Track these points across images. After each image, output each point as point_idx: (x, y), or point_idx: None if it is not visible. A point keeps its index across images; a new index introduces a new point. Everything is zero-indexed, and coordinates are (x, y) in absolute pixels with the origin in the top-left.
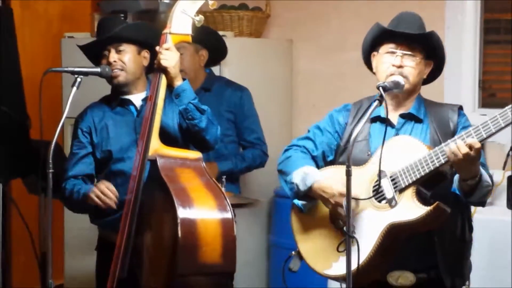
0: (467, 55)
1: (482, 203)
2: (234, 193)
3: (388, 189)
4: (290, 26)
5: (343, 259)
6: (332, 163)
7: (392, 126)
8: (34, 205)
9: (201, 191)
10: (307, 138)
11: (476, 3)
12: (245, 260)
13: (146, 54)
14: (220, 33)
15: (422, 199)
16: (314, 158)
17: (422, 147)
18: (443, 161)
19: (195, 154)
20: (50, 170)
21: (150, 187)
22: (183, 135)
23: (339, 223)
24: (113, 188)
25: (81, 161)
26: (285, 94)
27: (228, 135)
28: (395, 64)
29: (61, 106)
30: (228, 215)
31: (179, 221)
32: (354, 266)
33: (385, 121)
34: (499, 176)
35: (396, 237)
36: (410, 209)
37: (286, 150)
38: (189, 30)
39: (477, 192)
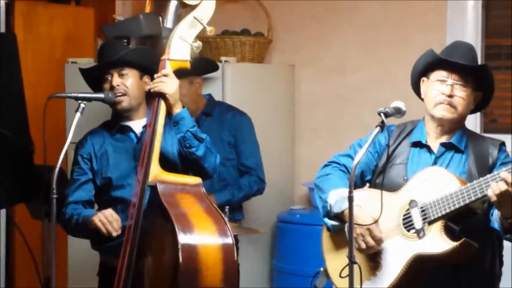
0: None
1: None
2: (236, 222)
3: (417, 220)
4: (292, 51)
5: (368, 283)
6: (369, 182)
7: (432, 153)
8: (37, 230)
9: (201, 217)
10: (348, 155)
11: (477, 28)
12: (248, 285)
13: (147, 79)
14: (223, 58)
15: (451, 233)
16: None
17: (455, 182)
18: (473, 198)
19: (195, 180)
20: (54, 196)
21: (150, 213)
22: (182, 162)
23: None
24: (118, 217)
25: (82, 188)
26: (287, 118)
27: (230, 159)
28: (445, 93)
29: (65, 131)
30: (229, 240)
31: (180, 246)
32: None
33: (427, 148)
34: None
35: (421, 267)
36: (438, 242)
37: (325, 166)
38: (187, 56)
39: None
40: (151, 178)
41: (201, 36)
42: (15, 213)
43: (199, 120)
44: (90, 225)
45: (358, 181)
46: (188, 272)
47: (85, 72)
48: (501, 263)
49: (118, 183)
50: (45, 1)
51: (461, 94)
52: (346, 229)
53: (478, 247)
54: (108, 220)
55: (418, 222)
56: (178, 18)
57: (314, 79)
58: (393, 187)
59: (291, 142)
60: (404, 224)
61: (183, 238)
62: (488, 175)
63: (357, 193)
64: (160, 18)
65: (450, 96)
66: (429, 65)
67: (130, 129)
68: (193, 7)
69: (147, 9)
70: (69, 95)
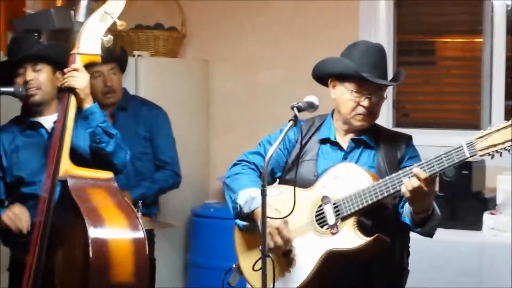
0: None
1: (431, 235)
2: (152, 216)
3: (330, 216)
4: (206, 46)
5: (282, 279)
6: (280, 179)
7: (342, 149)
8: None
9: (112, 211)
10: (258, 153)
11: (389, 24)
12: (163, 279)
13: (59, 75)
14: (136, 52)
15: (363, 228)
16: None
17: (367, 178)
18: (386, 194)
19: (106, 174)
20: None
21: (61, 208)
22: (93, 157)
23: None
24: (27, 213)
25: None
26: (201, 113)
27: (147, 153)
28: (365, 105)
29: None
30: (140, 234)
31: (90, 241)
32: (293, 286)
33: (336, 144)
34: None
35: (334, 263)
36: (350, 238)
37: (235, 164)
38: (98, 50)
39: (429, 224)
40: (61, 173)
41: (114, 30)
42: None
43: (114, 114)
44: (0, 223)
45: (269, 178)
46: (98, 267)
47: None
48: (408, 255)
49: (29, 179)
50: None
51: (377, 100)
52: (259, 225)
53: (389, 241)
54: (17, 216)
55: (331, 218)
56: (90, 12)
57: (227, 74)
58: (304, 183)
59: (206, 136)
60: (317, 220)
61: (93, 233)
62: (400, 171)
63: (269, 190)
64: (72, 12)
65: (370, 107)
66: (345, 75)
67: (40, 125)
68: (104, 1)
69: (58, 3)
70: None
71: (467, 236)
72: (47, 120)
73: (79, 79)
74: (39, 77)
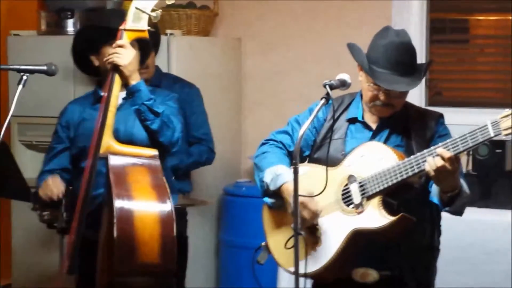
0: None
1: (460, 213)
2: (185, 194)
3: (356, 195)
4: (238, 24)
5: (309, 257)
6: (308, 158)
7: (370, 129)
8: None
9: (145, 189)
10: (285, 132)
11: (422, 2)
12: (194, 258)
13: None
14: (168, 31)
15: (389, 207)
16: (290, 154)
17: (393, 156)
18: (410, 173)
19: (151, 151)
20: None
21: (107, 185)
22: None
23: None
24: (58, 182)
25: (58, 156)
26: (233, 92)
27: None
28: (382, 99)
29: (8, 105)
30: (169, 212)
31: (115, 220)
32: (319, 265)
33: (364, 124)
34: None
35: (360, 242)
36: (375, 217)
37: (263, 144)
38: (145, 26)
39: (457, 202)
40: (102, 150)
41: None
42: None
43: None
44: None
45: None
46: (123, 245)
47: (80, 36)
48: (439, 234)
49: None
50: None
51: (397, 96)
52: (287, 201)
53: (416, 221)
54: (48, 186)
55: (356, 197)
56: None
57: (259, 52)
58: (332, 162)
59: (237, 115)
60: (343, 199)
61: (119, 208)
62: (425, 150)
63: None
64: None
65: (387, 100)
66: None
67: None
68: None
69: None
70: (11, 67)
71: (500, 215)
72: (119, 96)
73: (124, 55)
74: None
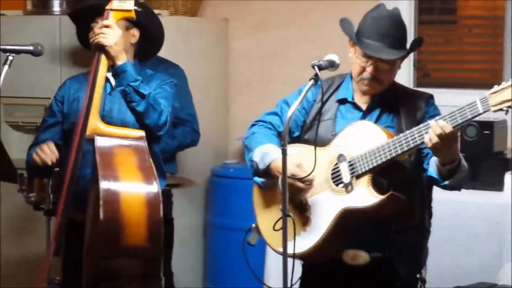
0: None
1: (459, 187)
2: (170, 173)
3: (345, 174)
4: (226, 4)
5: (299, 237)
6: (298, 139)
7: (360, 109)
8: None
9: (131, 170)
10: (275, 113)
11: None
12: (182, 239)
13: (135, 32)
14: (155, 11)
15: (378, 186)
16: (279, 134)
17: (383, 135)
18: (400, 151)
19: (138, 133)
20: None
21: (93, 165)
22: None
23: (294, 200)
24: (53, 148)
25: (49, 129)
26: (220, 73)
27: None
28: (370, 72)
29: None
30: (156, 197)
31: (101, 202)
32: (308, 245)
33: (354, 104)
34: None
35: (350, 221)
36: (365, 196)
37: (252, 125)
38: (131, 6)
39: (457, 175)
40: (89, 131)
41: None
42: None
43: None
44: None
45: (287, 138)
46: (109, 227)
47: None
48: (430, 216)
49: None
50: None
51: (385, 70)
52: (279, 182)
53: (407, 200)
54: (42, 150)
55: (346, 177)
56: None
57: (247, 34)
58: (322, 143)
59: (225, 96)
60: (332, 178)
61: (105, 189)
62: (414, 128)
63: (288, 149)
64: None
65: (375, 73)
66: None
67: (107, 79)
68: None
69: None
70: None
71: (488, 197)
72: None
73: (109, 36)
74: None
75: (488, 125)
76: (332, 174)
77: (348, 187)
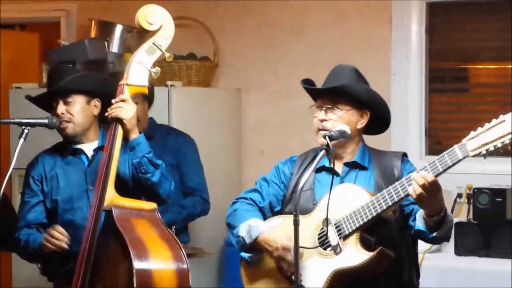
0: (413, 102)
1: (447, 238)
2: (183, 243)
3: (333, 237)
4: (238, 75)
5: None
6: (279, 213)
7: (337, 174)
8: None
9: (156, 242)
10: (254, 190)
11: (421, 51)
12: None
13: (96, 103)
14: (169, 82)
15: (366, 245)
16: (261, 210)
17: (364, 194)
18: (385, 207)
19: (150, 205)
20: None
21: (104, 238)
22: (136, 186)
23: (286, 273)
24: (62, 230)
25: (33, 210)
26: (233, 142)
27: (174, 181)
28: (320, 119)
29: (9, 157)
30: (184, 265)
31: (134, 272)
32: None
33: (331, 170)
34: None
35: (342, 283)
36: (354, 255)
37: (233, 203)
38: (145, 82)
39: (444, 226)
40: (106, 202)
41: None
42: None
43: None
44: (43, 250)
45: (268, 213)
46: None
47: (33, 101)
48: (418, 276)
49: (67, 206)
50: None
51: (333, 116)
52: (269, 251)
53: (395, 257)
54: (54, 236)
55: (333, 239)
56: (123, 43)
57: (260, 103)
58: (304, 212)
59: (238, 165)
60: (320, 243)
61: (138, 264)
62: (396, 183)
63: (269, 222)
64: (106, 43)
65: (323, 120)
66: (310, 95)
67: (82, 151)
68: (150, 34)
69: (92, 34)
70: (12, 120)
71: (501, 265)
72: (88, 147)
73: (126, 109)
74: (70, 110)
75: (501, 193)
76: (319, 239)
77: (336, 249)
